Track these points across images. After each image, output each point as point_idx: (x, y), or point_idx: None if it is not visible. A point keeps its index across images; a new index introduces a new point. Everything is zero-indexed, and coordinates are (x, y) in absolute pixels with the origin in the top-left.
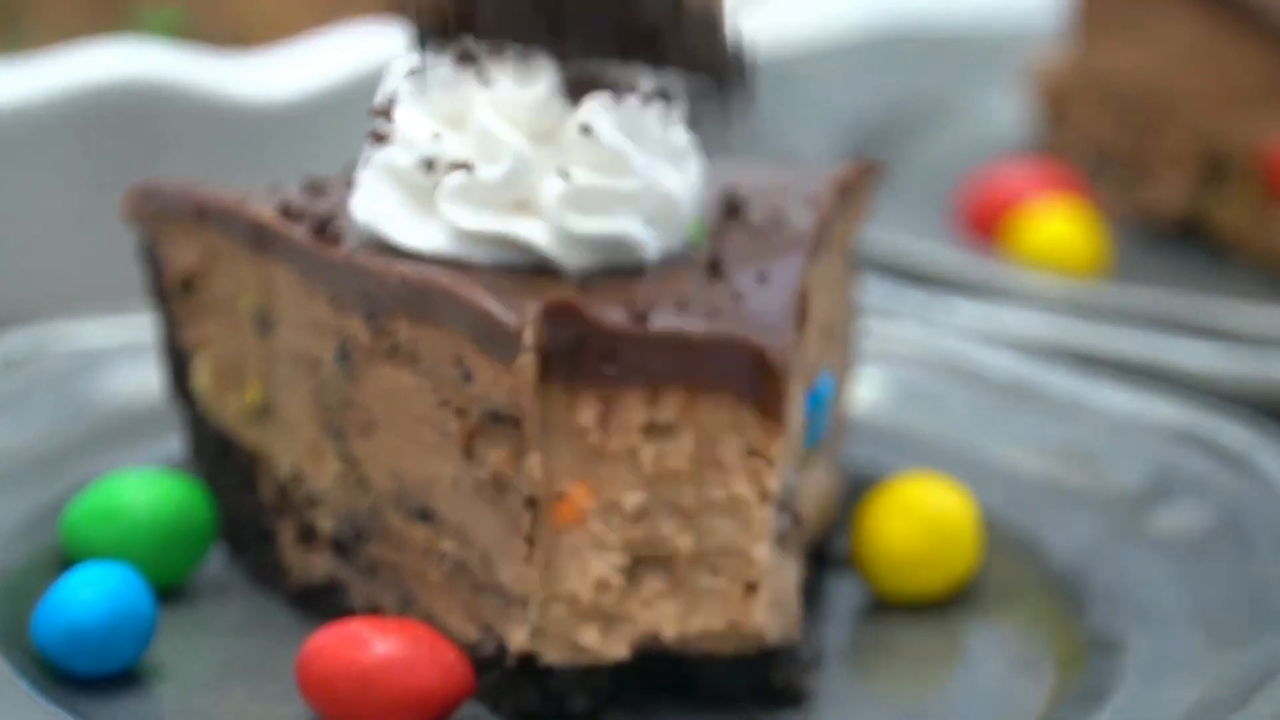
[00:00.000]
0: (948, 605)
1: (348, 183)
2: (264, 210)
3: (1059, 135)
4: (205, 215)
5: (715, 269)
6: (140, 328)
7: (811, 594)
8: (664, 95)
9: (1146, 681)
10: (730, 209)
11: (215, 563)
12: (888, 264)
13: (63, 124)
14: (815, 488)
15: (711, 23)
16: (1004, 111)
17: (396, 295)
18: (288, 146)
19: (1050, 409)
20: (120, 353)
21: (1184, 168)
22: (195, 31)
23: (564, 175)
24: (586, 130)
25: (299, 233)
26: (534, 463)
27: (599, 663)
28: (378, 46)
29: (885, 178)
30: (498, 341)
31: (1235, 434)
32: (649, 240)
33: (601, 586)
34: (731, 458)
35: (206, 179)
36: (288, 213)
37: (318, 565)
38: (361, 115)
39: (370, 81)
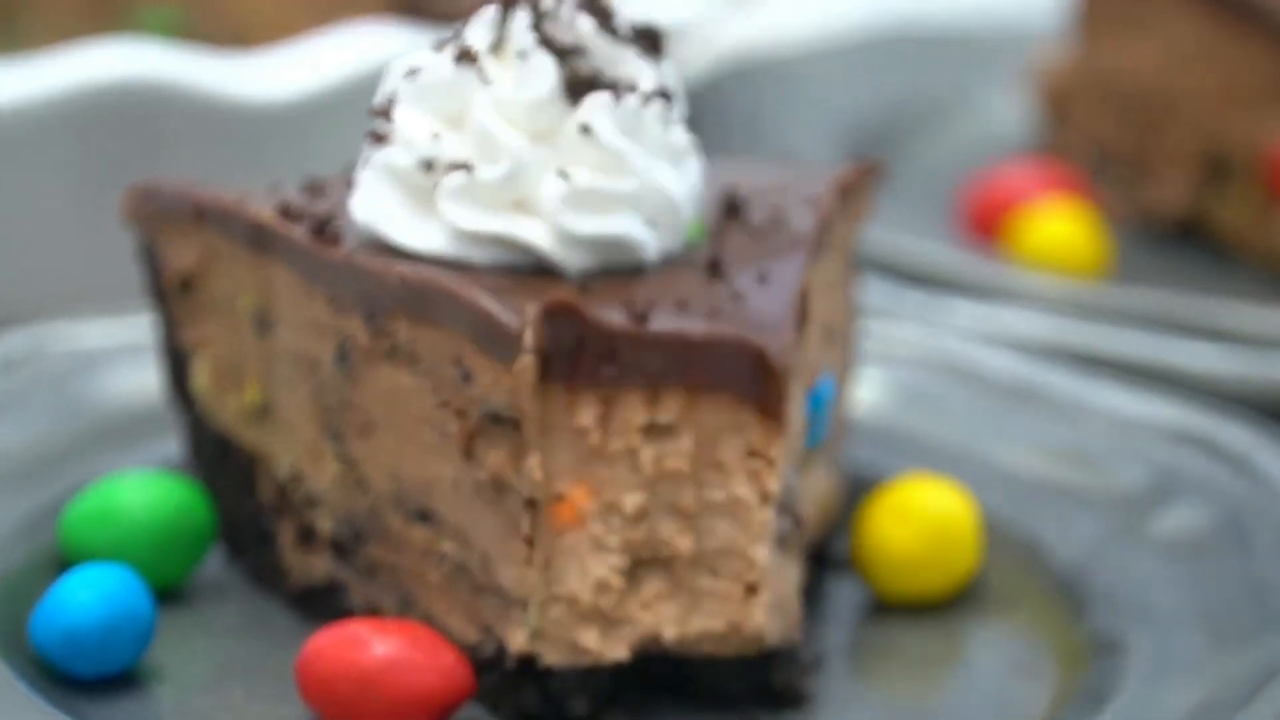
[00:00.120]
0: (948, 607)
1: (347, 183)
2: (263, 210)
3: (1060, 135)
4: (204, 215)
5: (715, 269)
6: (139, 328)
7: (812, 595)
8: (664, 95)
9: (1148, 683)
10: (730, 209)
11: (214, 564)
12: (888, 264)
13: (62, 124)
14: (816, 489)
15: None
16: (1005, 111)
17: (396, 296)
18: (287, 146)
19: (1051, 410)
20: (119, 353)
21: (1186, 168)
22: (194, 31)
23: (564, 175)
24: (586, 130)
25: (298, 233)
26: (534, 464)
27: (599, 664)
28: (377, 46)
29: (885, 178)
30: (497, 342)
31: (1236, 435)
32: (649, 240)
33: (601, 588)
34: (732, 459)
35: (206, 179)
36: (287, 213)
37: (317, 566)
38: (361, 115)
39: (370, 81)
